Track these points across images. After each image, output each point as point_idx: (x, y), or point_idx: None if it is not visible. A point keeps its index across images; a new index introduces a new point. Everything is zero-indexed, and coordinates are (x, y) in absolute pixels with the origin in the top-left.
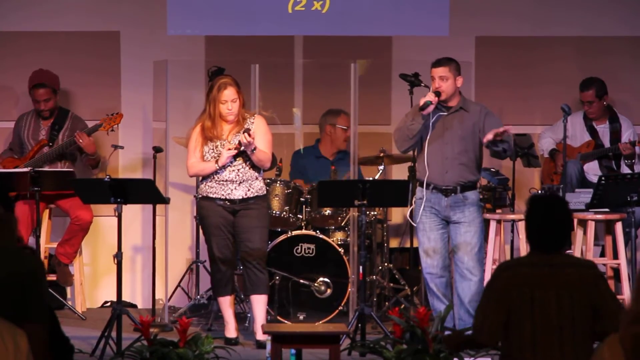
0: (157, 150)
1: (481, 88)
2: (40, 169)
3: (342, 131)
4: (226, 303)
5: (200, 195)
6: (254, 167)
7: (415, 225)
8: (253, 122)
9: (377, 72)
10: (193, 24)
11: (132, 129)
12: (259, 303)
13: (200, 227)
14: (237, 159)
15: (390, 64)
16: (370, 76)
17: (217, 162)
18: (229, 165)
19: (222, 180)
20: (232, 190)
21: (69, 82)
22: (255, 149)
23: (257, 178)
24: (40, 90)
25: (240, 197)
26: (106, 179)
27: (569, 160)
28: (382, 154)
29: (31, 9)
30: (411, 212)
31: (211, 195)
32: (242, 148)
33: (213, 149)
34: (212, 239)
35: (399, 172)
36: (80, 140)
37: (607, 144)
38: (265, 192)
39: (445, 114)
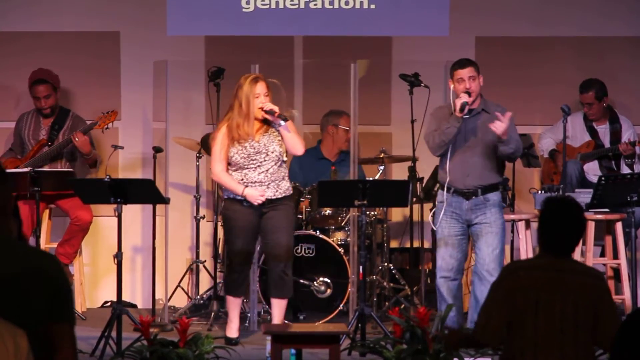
0: (157, 150)
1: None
2: (40, 169)
3: (344, 132)
4: (236, 303)
5: (226, 196)
6: (282, 167)
7: (435, 229)
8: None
9: (377, 72)
10: (193, 24)
11: (132, 129)
12: (281, 306)
13: (223, 227)
14: (265, 162)
15: (390, 64)
16: (370, 76)
17: (243, 191)
18: (258, 166)
19: (251, 182)
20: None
21: (69, 82)
22: (283, 118)
23: (283, 178)
24: (41, 86)
25: (270, 198)
26: (106, 179)
27: (568, 160)
28: (382, 154)
29: (31, 9)
30: (432, 214)
31: (239, 197)
32: (270, 110)
33: (242, 150)
34: (237, 240)
35: (399, 172)
36: (76, 139)
37: (607, 144)
38: (291, 191)
39: (467, 116)
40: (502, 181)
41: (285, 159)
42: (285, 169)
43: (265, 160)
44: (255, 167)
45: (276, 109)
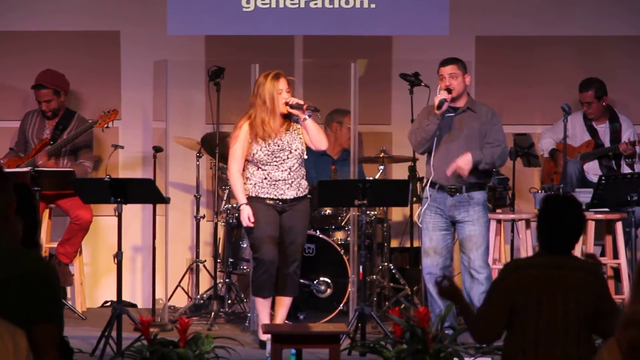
0: (157, 150)
1: (481, 88)
2: (41, 168)
3: (348, 130)
4: (266, 304)
5: (246, 195)
6: (302, 165)
7: (420, 224)
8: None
9: (377, 71)
10: (193, 24)
11: (132, 128)
12: (287, 304)
13: (245, 228)
14: (288, 159)
15: (390, 63)
16: (370, 76)
17: (241, 205)
18: (281, 163)
19: (275, 180)
20: (284, 190)
21: (69, 81)
22: (313, 109)
23: (303, 177)
24: (41, 91)
25: (292, 197)
26: (106, 179)
27: (569, 159)
28: (382, 154)
29: (31, 9)
30: (419, 212)
31: (261, 196)
32: (296, 104)
33: (266, 147)
34: (264, 237)
35: (399, 172)
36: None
37: (607, 143)
38: (308, 189)
39: (453, 114)
40: (491, 180)
41: (306, 157)
42: (304, 167)
43: (288, 158)
44: (278, 165)
45: (302, 102)
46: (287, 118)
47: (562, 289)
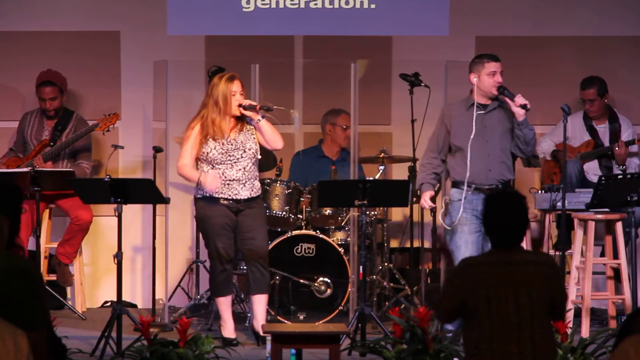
0: (157, 150)
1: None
2: (41, 168)
3: (342, 130)
4: (227, 303)
5: (200, 195)
6: (255, 165)
7: (448, 227)
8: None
9: (377, 72)
10: (193, 24)
11: (132, 129)
12: (262, 302)
13: (199, 227)
14: (242, 159)
15: (390, 64)
16: (370, 76)
17: (199, 178)
18: (235, 163)
19: (229, 180)
20: (239, 190)
21: (69, 81)
22: (266, 109)
23: (256, 177)
24: (48, 88)
25: (246, 197)
26: (106, 179)
27: (568, 159)
28: (382, 154)
29: (31, 9)
30: (443, 212)
31: (215, 195)
32: (249, 105)
33: (220, 146)
34: (218, 239)
35: (399, 172)
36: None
37: (606, 144)
38: (261, 190)
39: (483, 112)
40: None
41: (259, 156)
42: (257, 168)
43: (242, 157)
44: (232, 164)
45: (255, 103)
46: (241, 119)
47: (512, 285)
